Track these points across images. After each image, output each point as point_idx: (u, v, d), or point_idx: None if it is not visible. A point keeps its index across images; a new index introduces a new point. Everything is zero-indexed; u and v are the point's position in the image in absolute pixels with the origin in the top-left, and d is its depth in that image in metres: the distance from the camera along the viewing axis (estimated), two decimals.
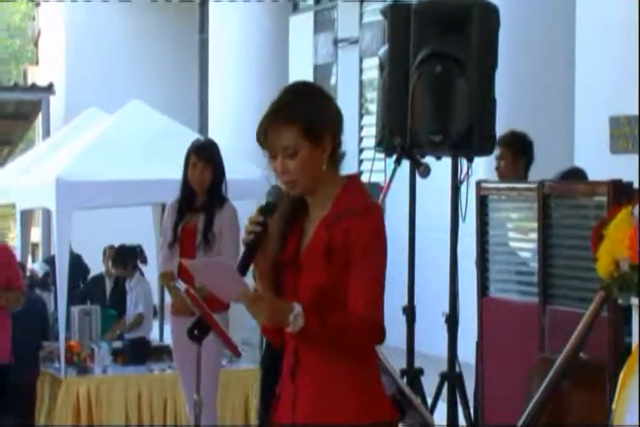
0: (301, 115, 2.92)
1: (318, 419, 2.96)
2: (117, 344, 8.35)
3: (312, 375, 2.96)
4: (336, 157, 3.00)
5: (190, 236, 6.10)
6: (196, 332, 4.39)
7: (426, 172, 5.56)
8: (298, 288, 2.97)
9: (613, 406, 3.80)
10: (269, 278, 3.01)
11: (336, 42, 13.01)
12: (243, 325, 7.60)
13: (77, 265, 10.43)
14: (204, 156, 6.13)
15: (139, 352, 8.18)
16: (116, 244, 9.91)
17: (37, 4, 19.84)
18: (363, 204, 2.96)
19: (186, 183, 6.16)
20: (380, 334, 2.93)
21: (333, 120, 2.98)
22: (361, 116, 12.12)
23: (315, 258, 2.94)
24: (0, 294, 6.28)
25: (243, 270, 2.93)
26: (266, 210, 2.96)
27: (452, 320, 5.48)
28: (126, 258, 9.45)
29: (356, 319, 2.89)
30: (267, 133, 2.94)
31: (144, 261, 10.27)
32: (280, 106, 2.95)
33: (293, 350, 3.00)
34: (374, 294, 2.92)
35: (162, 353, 8.09)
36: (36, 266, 10.21)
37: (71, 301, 8.22)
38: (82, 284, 10.53)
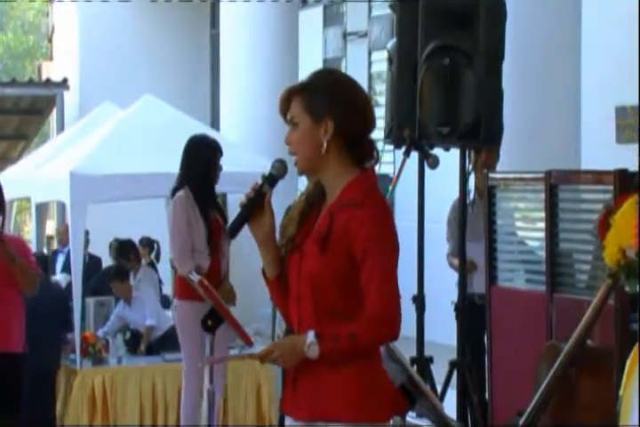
0: (307, 88, 3.02)
1: (317, 413, 2.98)
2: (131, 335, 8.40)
3: (311, 363, 2.97)
4: (351, 146, 3.01)
5: (217, 230, 6.27)
6: (209, 322, 4.44)
7: (435, 163, 5.61)
8: (300, 272, 3.01)
9: (620, 392, 3.84)
10: (279, 258, 3.06)
11: (345, 35, 13.05)
12: (254, 315, 7.67)
13: (97, 268, 10.49)
14: None
15: (153, 342, 8.24)
16: (130, 236, 9.96)
17: (51, 1, 19.89)
18: (366, 196, 2.97)
19: (210, 180, 6.27)
20: (392, 330, 2.95)
21: (340, 105, 3.00)
22: None
23: (314, 244, 2.98)
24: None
25: (232, 233, 3.02)
26: (265, 179, 3.04)
27: (461, 309, 5.53)
28: (126, 251, 9.49)
29: (366, 322, 2.92)
30: (282, 103, 3.06)
31: (158, 256, 10.31)
32: (300, 81, 3.09)
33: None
34: (383, 289, 2.93)
35: (175, 342, 8.12)
36: (57, 277, 10.24)
37: (85, 293, 8.28)
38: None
